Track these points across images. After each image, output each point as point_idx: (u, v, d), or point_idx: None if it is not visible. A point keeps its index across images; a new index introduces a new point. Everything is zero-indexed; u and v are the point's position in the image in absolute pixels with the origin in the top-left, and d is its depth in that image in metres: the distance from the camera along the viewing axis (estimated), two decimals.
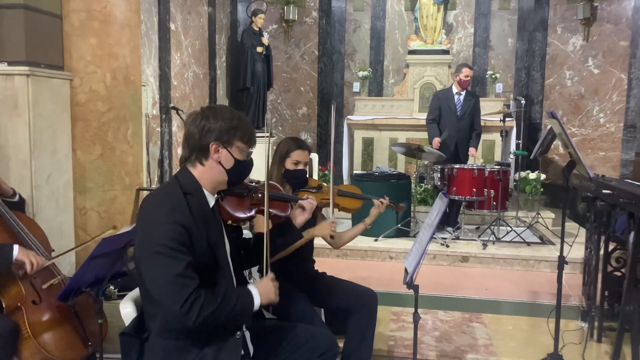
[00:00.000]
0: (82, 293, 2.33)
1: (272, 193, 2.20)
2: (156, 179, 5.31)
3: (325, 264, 2.88)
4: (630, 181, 3.16)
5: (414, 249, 2.34)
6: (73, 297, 2.27)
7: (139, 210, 1.85)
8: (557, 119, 2.66)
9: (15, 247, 2.37)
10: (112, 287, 3.35)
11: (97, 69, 3.52)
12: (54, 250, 2.81)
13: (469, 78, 5.94)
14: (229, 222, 2.01)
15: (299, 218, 2.32)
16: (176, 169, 5.75)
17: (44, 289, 2.50)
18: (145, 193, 4.51)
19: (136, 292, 2.03)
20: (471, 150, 6.03)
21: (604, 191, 2.56)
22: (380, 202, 2.90)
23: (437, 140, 5.85)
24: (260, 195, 2.08)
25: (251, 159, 1.97)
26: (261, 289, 1.91)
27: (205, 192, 1.90)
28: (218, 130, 1.85)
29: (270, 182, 2.37)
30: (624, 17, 7.23)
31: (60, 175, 3.40)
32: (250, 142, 1.93)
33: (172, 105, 5.54)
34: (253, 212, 2.06)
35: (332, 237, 2.70)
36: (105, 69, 3.54)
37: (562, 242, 2.85)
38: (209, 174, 1.88)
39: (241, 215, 2.02)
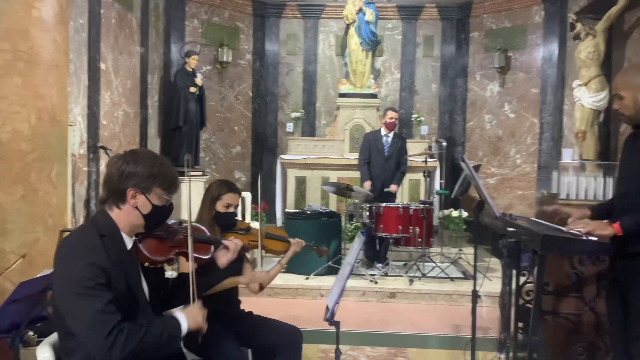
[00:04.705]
0: None
1: (196, 235, 2.17)
2: (82, 219, 5.19)
3: (257, 303, 2.92)
4: (536, 219, 3.43)
5: (335, 286, 2.44)
6: None
7: (55, 252, 1.83)
8: (466, 163, 2.89)
9: None
10: (31, 333, 3.24)
11: (22, 109, 3.47)
12: None
13: (393, 120, 6.25)
14: (146, 264, 1.99)
15: (223, 259, 2.36)
16: None
17: None
18: None
19: (54, 337, 1.99)
20: (392, 186, 6.24)
21: (508, 229, 2.78)
22: (297, 241, 2.98)
23: (368, 183, 6.10)
24: (182, 237, 2.06)
25: (171, 204, 1.97)
26: (187, 314, 1.90)
27: (123, 234, 1.90)
28: (137, 176, 1.85)
29: (194, 224, 2.38)
30: (534, 67, 7.87)
31: None
32: (171, 189, 1.93)
33: (100, 144, 5.47)
34: (172, 255, 2.03)
35: (261, 287, 2.77)
36: (30, 108, 3.50)
37: (475, 276, 3.05)
38: (125, 217, 1.89)
39: (158, 258, 1.99)
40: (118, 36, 6.05)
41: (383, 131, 6.32)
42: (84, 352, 1.79)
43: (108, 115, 5.81)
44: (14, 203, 3.47)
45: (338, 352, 2.44)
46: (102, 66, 5.60)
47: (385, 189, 6.18)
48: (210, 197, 2.84)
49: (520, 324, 3.77)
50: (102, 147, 5.46)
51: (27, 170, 3.51)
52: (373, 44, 8.18)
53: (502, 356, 3.83)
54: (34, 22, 3.51)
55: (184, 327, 1.86)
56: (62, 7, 3.74)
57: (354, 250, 2.41)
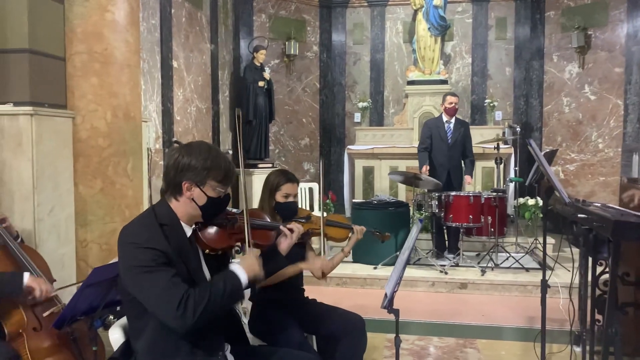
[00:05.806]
0: (77, 321, 2.44)
1: (254, 222, 2.21)
2: None
3: (325, 292, 2.93)
4: (612, 205, 3.22)
5: (393, 274, 2.43)
6: (67, 325, 2.37)
7: (118, 239, 1.92)
8: (532, 147, 2.77)
9: (26, 274, 2.51)
10: (111, 317, 3.45)
11: (98, 107, 3.70)
12: (55, 280, 2.93)
13: (453, 105, 6.04)
14: (207, 251, 2.05)
15: (283, 244, 2.39)
16: None
17: (44, 316, 2.61)
18: None
19: (124, 319, 2.13)
20: (467, 178, 6.09)
21: (579, 215, 2.64)
22: (358, 228, 2.97)
23: (425, 168, 5.93)
24: (240, 224, 2.09)
25: (227, 195, 2.02)
26: (244, 265, 1.95)
27: (182, 223, 1.98)
28: (192, 169, 1.91)
29: (254, 209, 2.42)
30: (617, 45, 7.36)
31: (62, 209, 3.54)
32: (225, 182, 1.98)
33: (174, 139, 5.72)
34: (232, 242, 2.07)
35: (323, 274, 2.80)
36: (105, 106, 3.72)
37: (544, 266, 2.92)
38: (183, 208, 1.97)
39: (217, 245, 2.04)
40: (189, 34, 6.28)
41: (444, 117, 6.12)
42: (149, 332, 1.90)
43: (181, 111, 6.05)
44: (94, 195, 3.72)
45: (398, 340, 2.43)
46: (175, 64, 5.84)
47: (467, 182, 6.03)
48: (269, 188, 2.89)
49: (598, 316, 3.58)
50: (176, 142, 5.68)
51: (104, 165, 3.74)
52: (442, 29, 7.98)
53: (578, 349, 3.65)
54: (108, 25, 3.72)
55: (244, 278, 1.92)
56: (133, 8, 3.93)
57: (411, 238, 2.38)
